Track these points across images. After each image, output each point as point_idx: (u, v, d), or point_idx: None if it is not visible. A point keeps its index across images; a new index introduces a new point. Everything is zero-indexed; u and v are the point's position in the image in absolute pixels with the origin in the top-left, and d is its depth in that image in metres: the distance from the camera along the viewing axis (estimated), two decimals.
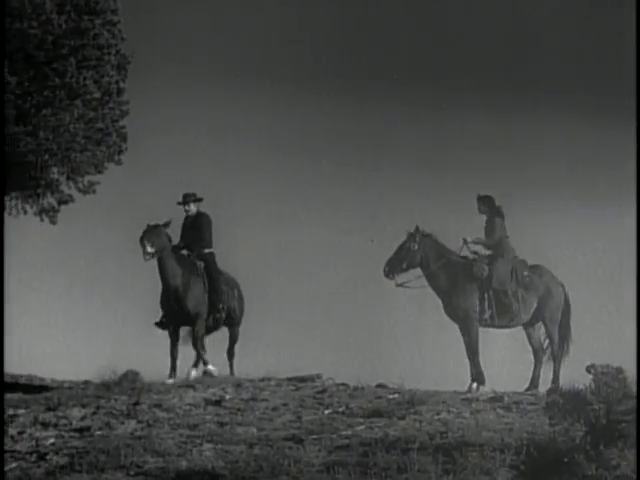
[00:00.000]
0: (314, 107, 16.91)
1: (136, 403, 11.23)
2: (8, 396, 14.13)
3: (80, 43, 12.37)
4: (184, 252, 13.59)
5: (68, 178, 12.81)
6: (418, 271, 13.37)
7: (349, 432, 10.20)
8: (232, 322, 13.85)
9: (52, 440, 10.13)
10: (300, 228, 16.24)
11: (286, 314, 14.71)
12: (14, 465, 9.49)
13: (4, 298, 14.34)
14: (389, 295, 13.83)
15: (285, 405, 11.31)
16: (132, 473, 9.08)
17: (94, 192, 12.99)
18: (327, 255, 15.58)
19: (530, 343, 13.40)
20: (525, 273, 13.34)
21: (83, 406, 11.12)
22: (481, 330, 13.28)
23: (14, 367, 16.27)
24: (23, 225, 13.28)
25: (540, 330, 13.49)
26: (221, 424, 10.49)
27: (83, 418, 10.78)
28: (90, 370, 15.34)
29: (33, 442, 10.11)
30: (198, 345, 13.27)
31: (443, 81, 17.66)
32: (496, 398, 11.79)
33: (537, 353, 13.34)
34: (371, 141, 17.26)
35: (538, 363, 13.30)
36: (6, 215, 13.11)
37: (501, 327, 13.30)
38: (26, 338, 16.25)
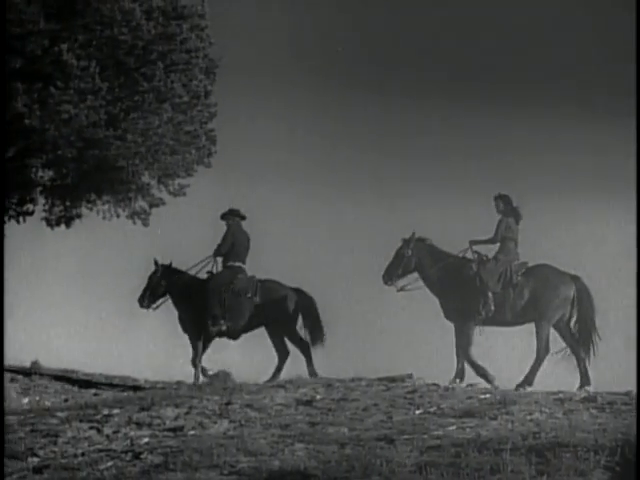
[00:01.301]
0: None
1: (228, 403, 11.32)
2: (103, 396, 14.44)
3: (168, 48, 12.55)
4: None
5: (159, 181, 13.00)
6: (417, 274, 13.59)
7: (440, 432, 10.14)
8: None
9: (146, 439, 10.25)
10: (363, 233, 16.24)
11: (374, 316, 14.82)
12: (110, 464, 9.63)
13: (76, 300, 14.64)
14: None
15: (376, 405, 11.30)
16: (225, 472, 9.14)
17: (184, 194, 13.17)
18: None
19: (537, 340, 13.27)
20: (519, 275, 13.29)
21: (176, 406, 11.24)
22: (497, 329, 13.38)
23: (110, 369, 16.63)
24: (116, 227, 13.56)
25: (549, 329, 13.33)
26: (312, 424, 10.51)
27: (176, 418, 10.90)
28: (183, 371, 15.59)
29: (128, 441, 10.24)
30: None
31: (444, 83, 17.66)
32: (589, 398, 11.63)
33: (538, 351, 13.20)
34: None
35: (537, 361, 13.17)
36: (99, 219, 13.38)
37: (497, 326, 13.36)
38: (120, 340, 16.58)
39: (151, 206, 13.10)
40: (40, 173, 13.16)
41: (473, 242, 13.62)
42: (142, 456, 9.71)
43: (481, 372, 13.24)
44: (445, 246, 13.85)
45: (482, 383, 12.98)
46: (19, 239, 16.67)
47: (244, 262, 14.37)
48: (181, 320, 14.64)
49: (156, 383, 15.83)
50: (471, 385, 12.91)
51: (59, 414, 11.16)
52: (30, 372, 16.46)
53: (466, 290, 13.30)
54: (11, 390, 13.02)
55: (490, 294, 13.22)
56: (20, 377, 15.88)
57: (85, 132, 12.03)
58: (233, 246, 14.14)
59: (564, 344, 13.38)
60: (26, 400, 14.12)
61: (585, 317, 13.32)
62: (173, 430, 10.50)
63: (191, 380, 14.43)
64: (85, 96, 11.80)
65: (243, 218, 14.15)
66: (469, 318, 13.24)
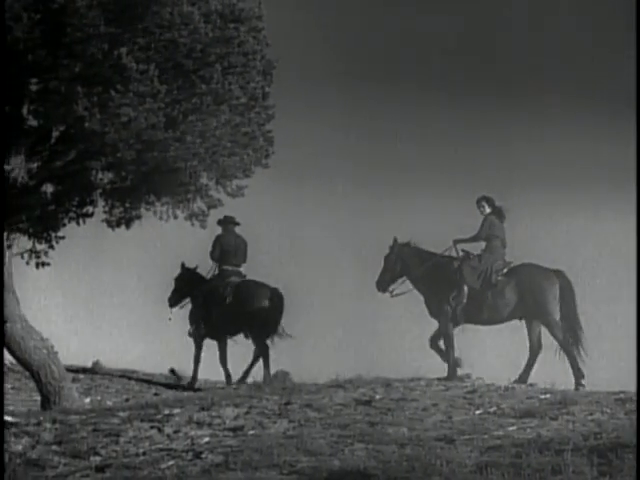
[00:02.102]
0: None
1: (287, 403, 11.36)
2: (163, 395, 14.57)
3: (226, 50, 12.57)
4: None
5: (217, 183, 13.05)
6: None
7: (501, 432, 10.10)
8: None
9: (207, 439, 10.32)
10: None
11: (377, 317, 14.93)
12: (171, 463, 9.71)
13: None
14: None
15: (435, 405, 11.28)
16: (285, 472, 9.17)
17: (242, 195, 13.21)
18: None
19: (529, 339, 13.44)
20: (500, 275, 13.44)
21: (236, 406, 11.30)
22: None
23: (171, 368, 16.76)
24: (176, 228, 13.66)
25: (540, 326, 13.43)
26: (372, 424, 10.51)
27: (236, 418, 10.96)
28: (241, 371, 15.69)
29: (188, 441, 10.31)
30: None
31: (444, 83, 17.60)
32: None
33: (531, 349, 13.33)
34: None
35: (530, 359, 13.27)
36: (157, 221, 13.47)
37: (475, 324, 13.61)
38: (181, 341, 16.72)
39: (209, 207, 13.15)
40: (100, 175, 13.27)
41: (457, 241, 13.82)
42: (203, 455, 9.78)
43: (453, 366, 13.47)
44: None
45: (541, 383, 12.93)
46: (79, 240, 16.94)
47: (239, 265, 15.56)
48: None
49: (216, 383, 15.95)
50: (531, 385, 12.84)
51: (120, 414, 11.27)
52: (92, 372, 16.68)
53: (445, 286, 13.56)
54: (73, 390, 13.17)
55: (465, 288, 13.41)
56: (82, 377, 16.09)
57: (144, 134, 12.09)
58: (225, 251, 15.33)
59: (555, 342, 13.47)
60: (88, 400, 14.29)
61: (569, 312, 13.39)
62: (233, 430, 10.56)
63: (252, 380, 14.69)
64: (144, 99, 11.86)
65: (237, 224, 15.48)
66: (448, 314, 13.47)
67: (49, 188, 13.36)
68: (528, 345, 13.43)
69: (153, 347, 17.01)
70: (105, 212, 13.41)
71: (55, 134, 12.99)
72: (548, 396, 11.59)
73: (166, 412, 11.17)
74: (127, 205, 13.33)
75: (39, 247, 13.76)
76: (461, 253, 13.82)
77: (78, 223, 13.83)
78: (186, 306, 16.02)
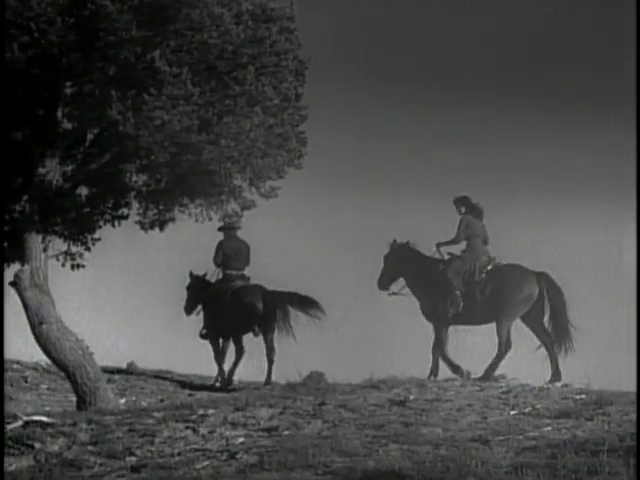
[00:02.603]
0: None
1: (322, 403, 11.36)
2: (198, 396, 14.63)
3: (258, 51, 12.59)
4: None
5: (250, 184, 13.08)
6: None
7: (536, 433, 10.05)
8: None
9: (241, 439, 10.34)
10: None
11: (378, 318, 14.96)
12: (206, 463, 9.74)
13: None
14: None
15: (470, 406, 11.25)
16: (320, 472, 9.17)
17: (276, 196, 13.24)
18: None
19: (538, 338, 13.51)
20: (483, 273, 13.60)
21: (270, 406, 11.31)
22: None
23: (204, 369, 16.86)
24: (208, 229, 13.74)
25: (547, 324, 13.52)
26: (406, 424, 10.49)
27: (271, 418, 10.97)
28: (275, 371, 15.73)
29: (223, 441, 10.34)
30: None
31: (443, 83, 17.58)
32: None
33: (499, 347, 13.39)
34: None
35: (497, 357, 13.37)
36: (192, 222, 13.53)
37: (469, 324, 13.73)
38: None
39: (243, 208, 13.20)
40: (134, 178, 13.35)
41: (439, 244, 14.09)
42: (237, 456, 9.80)
43: (454, 369, 13.64)
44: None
45: (575, 383, 12.91)
46: (114, 242, 17.06)
47: (242, 269, 16.16)
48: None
49: (250, 384, 15.99)
50: (566, 385, 12.78)
51: (155, 414, 11.30)
52: (126, 373, 16.78)
53: (436, 290, 13.72)
54: (108, 391, 13.25)
55: (457, 292, 13.58)
56: (117, 378, 16.19)
57: (178, 137, 12.14)
58: (227, 256, 15.95)
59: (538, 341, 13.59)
60: (123, 400, 14.38)
61: (556, 312, 13.47)
62: (268, 430, 10.57)
63: (284, 381, 14.71)
64: (177, 102, 11.91)
65: (237, 229, 16.00)
66: (441, 318, 13.68)
67: (84, 191, 13.47)
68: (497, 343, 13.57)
69: (187, 348, 17.10)
70: (139, 214, 13.50)
71: (89, 137, 13.10)
72: (583, 396, 11.53)
73: (201, 412, 11.20)
74: (161, 207, 13.40)
75: (74, 249, 13.88)
76: (447, 256, 14.04)
77: (113, 225, 13.93)
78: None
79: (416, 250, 14.17)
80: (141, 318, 17.71)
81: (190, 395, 15.07)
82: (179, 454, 10.03)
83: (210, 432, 10.62)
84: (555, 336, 13.46)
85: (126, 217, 13.88)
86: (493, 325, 13.69)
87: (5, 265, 13.82)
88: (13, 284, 12.98)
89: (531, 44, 18.54)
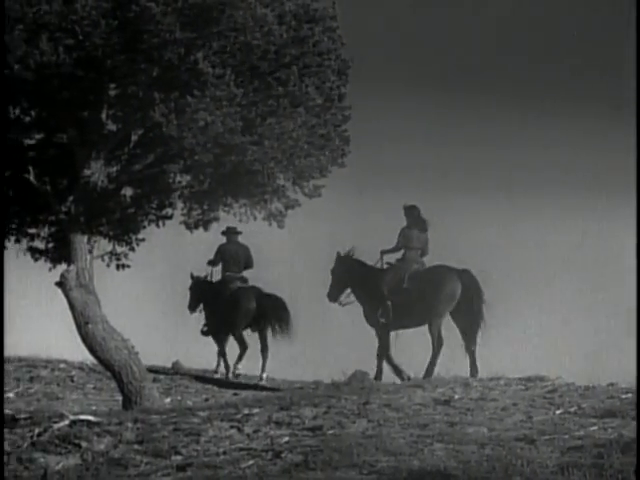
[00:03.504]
0: None
1: (366, 403, 11.36)
2: (243, 395, 14.68)
3: (301, 51, 12.60)
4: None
5: (294, 183, 13.10)
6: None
7: (582, 433, 9.99)
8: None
9: (286, 438, 10.36)
10: None
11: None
12: (251, 462, 9.76)
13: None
14: None
15: (515, 405, 11.19)
16: (365, 472, 9.17)
17: (319, 196, 13.25)
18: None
19: (430, 336, 14.24)
20: (409, 281, 14.33)
21: (315, 406, 11.32)
22: None
23: (249, 369, 16.91)
24: (252, 228, 13.78)
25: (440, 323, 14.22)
26: (451, 424, 10.47)
27: (315, 417, 10.98)
28: (320, 371, 15.74)
29: (268, 440, 10.36)
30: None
31: (444, 83, 17.51)
32: None
33: (433, 345, 14.13)
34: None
35: (433, 355, 14.07)
36: (236, 222, 13.59)
37: (405, 328, 14.49)
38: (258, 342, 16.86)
39: (287, 208, 13.22)
40: (178, 178, 13.44)
41: (383, 251, 14.90)
42: (282, 455, 9.81)
43: (397, 372, 14.42)
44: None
45: (621, 382, 12.84)
46: (158, 242, 17.20)
47: (240, 271, 16.98)
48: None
49: (294, 383, 16.02)
50: (612, 384, 12.68)
51: (200, 413, 11.36)
52: (171, 372, 16.88)
53: (374, 299, 14.55)
54: (154, 390, 13.32)
55: (389, 303, 14.39)
56: (162, 377, 16.29)
57: (221, 139, 12.17)
58: (226, 259, 16.80)
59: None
60: (168, 400, 14.46)
61: (472, 308, 14.03)
62: (312, 429, 10.58)
63: (328, 381, 14.88)
64: (221, 103, 11.94)
65: (239, 233, 16.78)
66: (379, 325, 14.52)
67: (128, 191, 13.57)
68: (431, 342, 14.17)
69: (231, 347, 17.19)
70: (183, 214, 13.57)
71: (134, 138, 13.18)
72: (629, 395, 11.43)
73: (246, 412, 11.24)
74: (205, 207, 13.46)
75: (119, 249, 14.00)
76: (386, 265, 14.86)
77: (158, 225, 14.03)
78: None
79: (358, 260, 14.97)
80: (185, 317, 17.81)
81: (235, 394, 15.12)
82: (224, 453, 10.07)
83: (255, 431, 10.65)
84: (467, 330, 14.09)
85: (170, 217, 13.97)
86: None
87: (51, 266, 13.97)
88: (59, 284, 13.10)
89: (531, 44, 18.50)
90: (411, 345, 14.76)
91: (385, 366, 14.75)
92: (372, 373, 14.91)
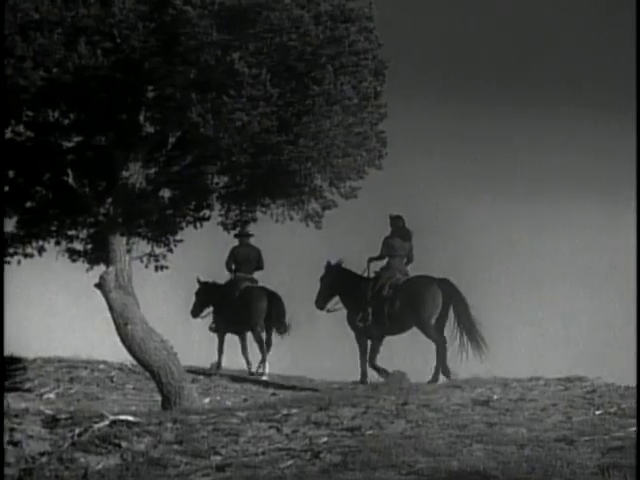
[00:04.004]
0: None
1: (404, 403, 11.34)
2: (281, 396, 14.70)
3: (337, 51, 12.58)
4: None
5: (331, 184, 13.10)
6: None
7: (622, 433, 9.91)
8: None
9: (325, 439, 10.37)
10: None
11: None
12: (290, 463, 9.78)
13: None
14: None
15: (554, 405, 11.13)
16: (404, 472, 9.15)
17: (356, 197, 13.23)
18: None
19: (429, 338, 14.64)
20: (391, 290, 14.92)
21: (353, 406, 11.32)
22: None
23: (285, 369, 16.93)
24: (290, 228, 13.78)
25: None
26: (490, 424, 10.43)
27: (354, 418, 10.98)
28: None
29: (307, 441, 10.37)
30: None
31: (444, 82, 17.42)
32: None
33: (437, 344, 14.57)
34: None
35: (439, 353, 14.47)
36: (272, 223, 13.61)
37: (389, 335, 15.09)
38: (296, 342, 16.91)
39: (324, 208, 13.22)
40: (215, 179, 13.49)
41: (370, 259, 15.52)
42: (321, 455, 9.82)
43: (382, 374, 14.94)
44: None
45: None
46: (196, 244, 17.30)
47: (251, 272, 17.46)
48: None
49: (332, 383, 16.02)
50: None
51: (239, 414, 11.39)
52: (210, 373, 16.94)
53: (355, 305, 15.25)
54: (193, 390, 13.38)
55: (370, 309, 15.02)
56: (201, 378, 16.35)
57: (258, 138, 12.21)
58: (238, 261, 17.29)
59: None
60: (207, 400, 14.51)
61: (461, 316, 14.48)
62: (351, 430, 10.58)
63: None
64: (257, 103, 11.98)
65: (251, 236, 17.19)
66: (360, 330, 15.21)
67: (166, 193, 13.65)
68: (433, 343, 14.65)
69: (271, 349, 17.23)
70: (221, 215, 13.62)
71: (171, 140, 13.24)
72: None
73: (284, 412, 11.26)
74: (243, 208, 13.52)
75: (157, 251, 14.08)
76: (372, 274, 15.45)
77: (195, 227, 14.09)
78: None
79: (346, 269, 15.67)
80: None
81: (273, 395, 15.16)
82: (263, 453, 10.10)
83: (294, 431, 10.66)
84: (467, 337, 14.42)
85: (208, 218, 14.03)
86: None
87: (90, 267, 14.07)
88: (98, 286, 13.19)
89: (530, 44, 18.42)
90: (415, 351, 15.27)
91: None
92: (411, 373, 14.94)
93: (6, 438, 10.65)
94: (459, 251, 16.76)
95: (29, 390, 15.62)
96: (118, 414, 11.28)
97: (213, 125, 12.07)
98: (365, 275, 15.50)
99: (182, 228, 14.13)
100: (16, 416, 11.15)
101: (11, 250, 13.65)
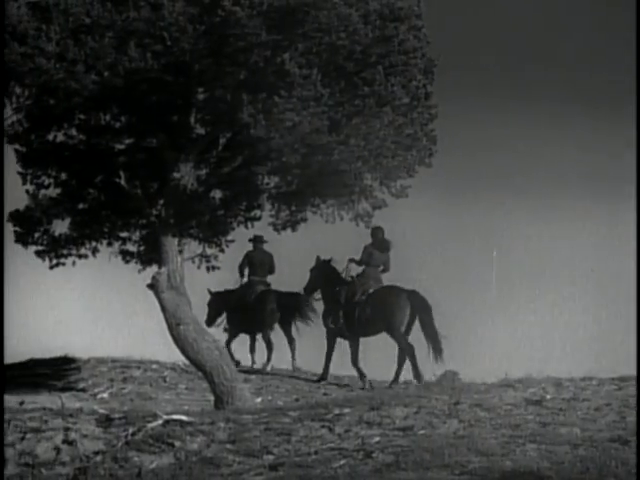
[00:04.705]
0: None
1: (457, 403, 11.29)
2: (333, 395, 14.72)
3: (386, 50, 12.57)
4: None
5: (381, 183, 13.08)
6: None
7: None
8: None
9: (377, 438, 10.36)
10: None
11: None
12: (342, 462, 9.79)
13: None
14: None
15: (608, 405, 11.01)
16: (457, 472, 9.12)
17: (406, 196, 13.20)
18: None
19: (397, 344, 15.78)
20: (364, 296, 15.97)
21: (405, 406, 11.27)
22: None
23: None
24: (338, 228, 13.80)
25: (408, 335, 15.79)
26: (543, 424, 10.34)
27: (406, 417, 10.94)
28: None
29: (359, 440, 10.37)
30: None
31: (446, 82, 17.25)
32: None
33: (406, 351, 15.63)
34: None
35: (411, 359, 15.52)
36: (322, 222, 13.62)
37: (358, 336, 16.07)
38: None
39: (374, 208, 13.20)
40: (266, 180, 13.54)
41: (350, 260, 16.49)
42: (374, 455, 9.82)
43: (360, 376, 15.92)
44: None
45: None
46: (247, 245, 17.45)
47: (265, 276, 17.94)
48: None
49: (383, 383, 16.01)
50: None
51: (291, 413, 11.40)
52: (262, 373, 17.01)
53: (330, 304, 16.31)
54: (245, 390, 13.44)
55: (341, 312, 16.07)
56: (253, 377, 16.42)
57: (308, 139, 12.24)
58: (252, 264, 17.76)
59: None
60: (259, 400, 14.56)
61: (425, 324, 15.60)
62: (403, 429, 10.56)
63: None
64: (307, 103, 12.00)
65: (265, 242, 17.61)
66: (329, 329, 16.27)
67: (217, 194, 13.71)
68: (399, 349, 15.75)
69: (321, 348, 17.24)
70: (272, 216, 13.66)
71: (222, 141, 13.31)
72: None
73: (336, 412, 11.25)
74: (293, 208, 13.54)
75: (209, 251, 14.15)
76: (349, 279, 16.45)
77: (246, 227, 14.16)
78: None
79: (334, 268, 16.54)
80: None
81: (325, 394, 15.17)
82: (316, 453, 10.11)
83: (346, 431, 10.66)
84: (428, 344, 15.55)
85: (259, 219, 14.09)
86: None
87: (142, 268, 14.19)
88: (151, 286, 13.29)
89: (530, 43, 18.25)
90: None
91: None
92: (463, 372, 14.89)
93: (61, 437, 10.77)
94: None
95: (83, 390, 15.80)
96: (171, 414, 11.35)
97: (264, 126, 12.11)
98: (344, 276, 16.54)
99: (233, 228, 14.20)
100: (70, 415, 11.27)
101: (65, 251, 13.80)
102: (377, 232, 16.13)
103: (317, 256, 16.68)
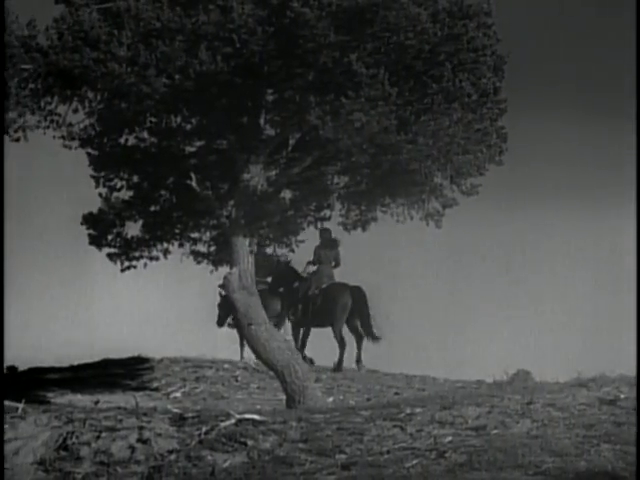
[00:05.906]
0: None
1: (529, 402, 11.20)
2: (404, 395, 14.69)
3: (455, 48, 12.50)
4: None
5: (451, 182, 13.02)
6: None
7: None
8: None
9: (450, 438, 10.33)
10: None
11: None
12: (415, 462, 9.78)
13: None
14: None
15: None
16: (530, 472, 9.07)
17: (477, 194, 13.12)
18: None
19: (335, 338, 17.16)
20: (317, 290, 17.42)
21: (477, 405, 11.22)
22: None
23: (409, 368, 16.95)
24: (410, 230, 13.76)
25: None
26: (618, 424, 10.23)
27: (478, 417, 10.89)
28: (482, 370, 15.64)
29: (431, 440, 10.35)
30: None
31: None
32: None
33: (339, 345, 17.11)
34: None
35: (340, 353, 17.03)
36: (394, 221, 13.60)
37: (314, 327, 17.50)
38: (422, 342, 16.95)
39: (444, 207, 13.15)
40: (335, 180, 13.56)
41: (308, 262, 17.72)
42: (446, 454, 9.79)
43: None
44: None
45: None
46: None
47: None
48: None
49: (455, 382, 15.95)
50: None
51: (363, 412, 11.42)
52: (333, 372, 17.04)
53: (289, 299, 17.72)
54: (316, 390, 13.48)
55: (300, 306, 17.48)
56: (324, 377, 16.46)
57: (377, 138, 12.22)
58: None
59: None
60: (331, 399, 14.59)
61: (362, 315, 17.14)
62: (475, 429, 10.51)
63: (490, 380, 14.93)
64: (375, 103, 11.98)
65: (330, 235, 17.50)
66: (292, 322, 17.67)
67: (287, 194, 13.77)
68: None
69: (391, 348, 17.24)
70: (342, 215, 13.68)
71: (291, 142, 13.36)
72: None
73: (408, 411, 11.23)
74: (363, 208, 13.54)
75: (280, 251, 14.24)
76: (306, 274, 17.82)
77: (316, 227, 14.21)
78: None
79: (292, 268, 17.75)
80: None
81: (396, 394, 15.16)
82: (388, 452, 10.11)
83: (418, 431, 10.64)
84: (363, 331, 17.14)
85: (328, 218, 14.12)
86: None
87: (214, 268, 14.30)
88: (222, 287, 13.37)
89: (530, 44, 17.93)
90: None
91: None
92: (535, 372, 14.75)
93: (135, 436, 10.91)
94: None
95: (156, 389, 15.97)
96: (244, 413, 11.43)
97: (332, 126, 12.12)
98: (304, 275, 17.87)
99: (303, 229, 14.25)
100: (145, 414, 11.41)
101: (137, 253, 13.96)
102: (324, 233, 17.05)
103: (277, 259, 17.22)
